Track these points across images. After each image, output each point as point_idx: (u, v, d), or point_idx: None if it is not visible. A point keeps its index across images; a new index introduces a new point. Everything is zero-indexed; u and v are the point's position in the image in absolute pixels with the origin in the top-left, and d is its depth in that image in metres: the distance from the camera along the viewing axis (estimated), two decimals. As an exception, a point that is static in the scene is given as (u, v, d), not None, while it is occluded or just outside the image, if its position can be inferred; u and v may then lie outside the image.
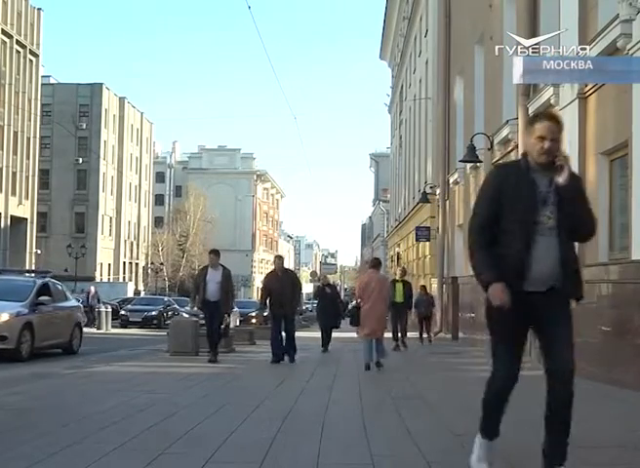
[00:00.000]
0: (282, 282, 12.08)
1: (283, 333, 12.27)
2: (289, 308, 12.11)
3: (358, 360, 12.81)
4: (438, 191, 22.84)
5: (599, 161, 9.76)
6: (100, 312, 27.24)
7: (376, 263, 11.67)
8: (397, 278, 16.30)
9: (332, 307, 16.00)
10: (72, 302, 15.79)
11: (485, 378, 3.89)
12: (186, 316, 21.69)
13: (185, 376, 9.37)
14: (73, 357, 13.84)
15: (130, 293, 48.85)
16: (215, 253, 12.44)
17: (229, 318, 15.03)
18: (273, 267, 12.94)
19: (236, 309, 25.96)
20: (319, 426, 5.57)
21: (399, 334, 15.75)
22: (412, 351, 15.22)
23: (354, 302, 14.91)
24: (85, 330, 24.70)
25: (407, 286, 15.93)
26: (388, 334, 13.64)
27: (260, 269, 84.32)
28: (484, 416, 3.91)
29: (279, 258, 13.02)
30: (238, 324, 23.94)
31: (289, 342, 12.27)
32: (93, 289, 30.98)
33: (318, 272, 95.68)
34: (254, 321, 26.46)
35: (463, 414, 6.49)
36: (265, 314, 13.83)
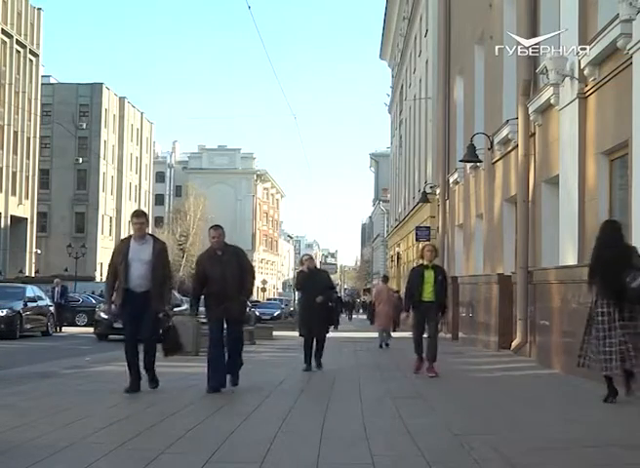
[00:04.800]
0: (223, 266, 7.75)
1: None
2: (234, 305, 7.83)
3: (358, 359, 12.90)
4: (438, 191, 22.84)
5: (599, 161, 9.75)
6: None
7: (386, 279, 17.97)
8: (425, 263, 9.68)
9: (320, 305, 10.30)
10: None
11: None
12: (104, 316, 17.97)
13: (185, 376, 9.36)
14: None
15: (130, 293, 48.74)
16: (140, 215, 7.65)
17: (169, 319, 9.53)
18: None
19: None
20: (319, 426, 5.57)
21: (423, 351, 9.66)
22: (410, 352, 12.15)
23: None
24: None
25: (439, 274, 9.62)
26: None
27: (261, 269, 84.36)
28: None
29: (215, 230, 8.02)
30: None
31: (232, 356, 8.12)
32: (60, 283, 25.20)
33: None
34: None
35: (463, 414, 6.50)
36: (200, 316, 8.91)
